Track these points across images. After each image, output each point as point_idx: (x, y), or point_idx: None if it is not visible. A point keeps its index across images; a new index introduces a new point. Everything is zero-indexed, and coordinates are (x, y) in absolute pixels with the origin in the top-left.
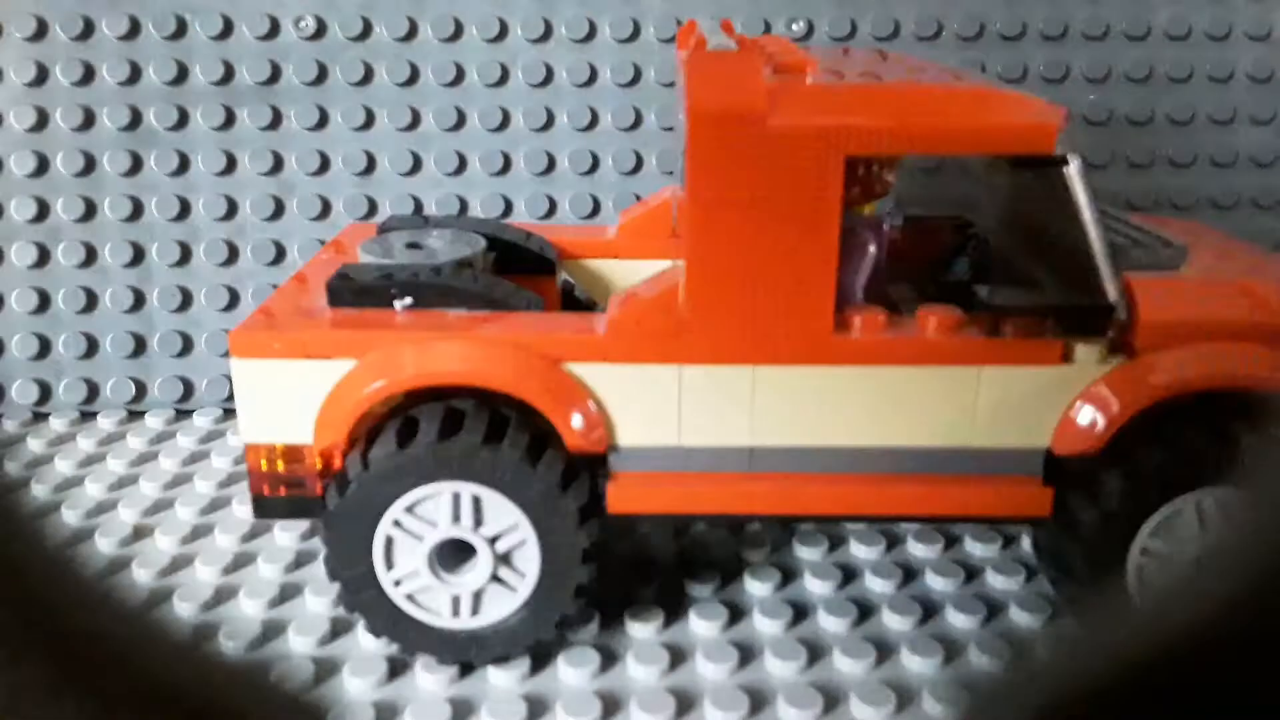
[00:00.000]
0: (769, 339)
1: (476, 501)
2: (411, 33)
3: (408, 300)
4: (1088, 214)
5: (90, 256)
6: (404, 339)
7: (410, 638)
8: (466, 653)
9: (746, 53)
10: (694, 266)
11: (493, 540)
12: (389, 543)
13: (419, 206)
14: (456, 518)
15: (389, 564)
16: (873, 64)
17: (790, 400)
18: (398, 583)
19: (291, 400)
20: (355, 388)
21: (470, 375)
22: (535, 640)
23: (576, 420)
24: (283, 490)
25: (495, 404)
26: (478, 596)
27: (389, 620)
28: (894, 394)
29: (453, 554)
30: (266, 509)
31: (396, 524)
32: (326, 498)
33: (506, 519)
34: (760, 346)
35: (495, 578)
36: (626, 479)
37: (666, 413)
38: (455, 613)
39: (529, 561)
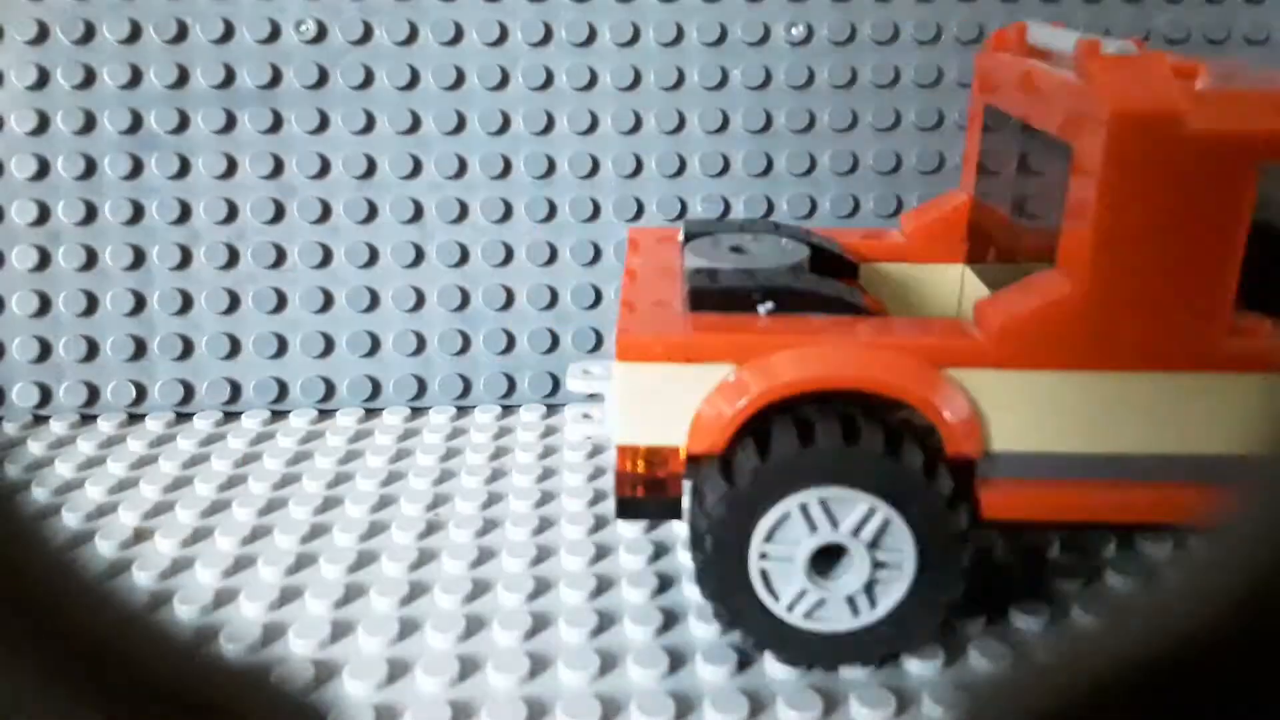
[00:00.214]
0: (1163, 345)
1: (823, 504)
2: (412, 37)
3: (770, 304)
4: None
5: (91, 260)
6: (788, 343)
7: (816, 652)
8: (875, 651)
9: (1152, 57)
10: (1097, 270)
11: (856, 532)
12: (765, 575)
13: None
14: (813, 526)
15: (774, 595)
16: (1251, 70)
17: (1176, 407)
18: (790, 608)
19: (665, 403)
20: (742, 391)
21: (862, 380)
22: (930, 627)
23: (957, 424)
24: (641, 491)
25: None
26: (870, 589)
27: (790, 643)
28: None
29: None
30: (628, 510)
31: (764, 556)
32: (700, 499)
33: (859, 508)
34: (1153, 352)
35: (877, 564)
36: (1001, 485)
37: (1046, 419)
38: (855, 613)
39: (901, 540)
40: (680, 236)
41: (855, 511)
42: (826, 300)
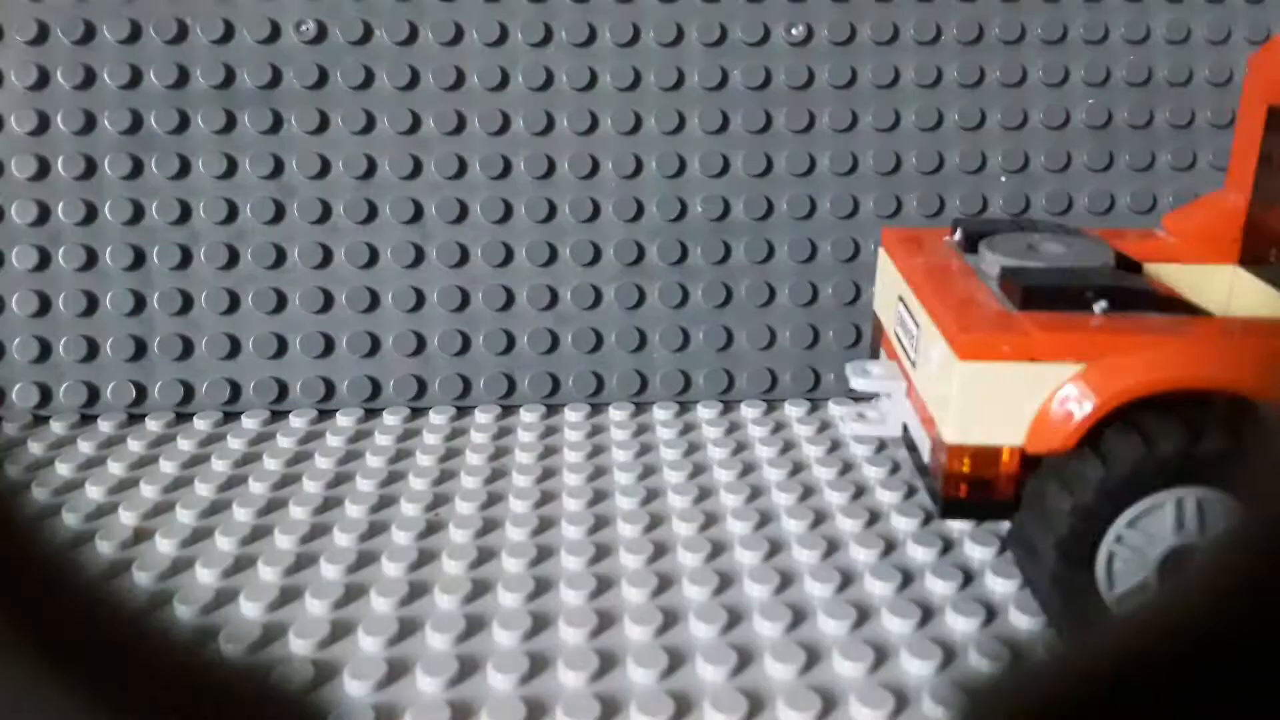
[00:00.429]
0: None
1: (1199, 506)
2: (412, 37)
3: (1103, 303)
4: None
5: (91, 260)
6: (1137, 342)
7: None
8: None
9: None
10: None
11: None
12: (1110, 559)
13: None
14: (1181, 525)
15: (1111, 583)
16: None
17: None
18: (1121, 600)
19: (1004, 402)
20: (1097, 390)
21: (1226, 379)
22: None
23: None
24: (964, 491)
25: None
26: None
27: None
28: None
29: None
30: (953, 510)
31: (1119, 540)
32: (1056, 489)
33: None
34: None
35: None
36: None
37: None
38: None
39: None
40: (955, 236)
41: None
42: (1159, 299)
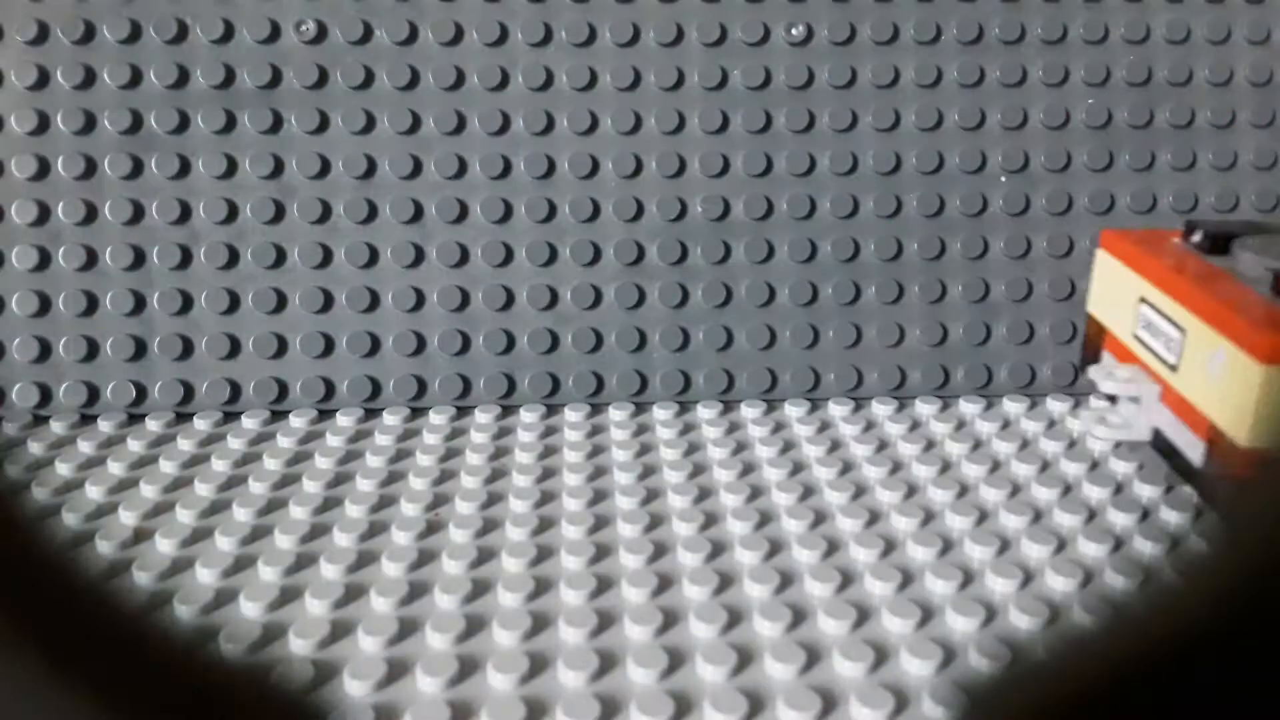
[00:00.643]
0: None
1: None
2: (412, 37)
3: None
4: None
5: (91, 260)
6: None
7: None
8: None
9: None
10: None
11: None
12: None
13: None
14: None
15: None
16: None
17: None
18: None
19: None
20: None
21: None
22: None
23: None
24: None
25: None
26: None
27: None
28: None
29: None
30: None
31: None
32: None
33: None
34: None
35: None
36: None
37: None
38: None
39: None
40: (1195, 238)
41: None
42: None
